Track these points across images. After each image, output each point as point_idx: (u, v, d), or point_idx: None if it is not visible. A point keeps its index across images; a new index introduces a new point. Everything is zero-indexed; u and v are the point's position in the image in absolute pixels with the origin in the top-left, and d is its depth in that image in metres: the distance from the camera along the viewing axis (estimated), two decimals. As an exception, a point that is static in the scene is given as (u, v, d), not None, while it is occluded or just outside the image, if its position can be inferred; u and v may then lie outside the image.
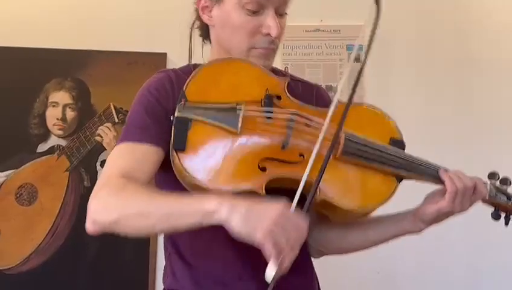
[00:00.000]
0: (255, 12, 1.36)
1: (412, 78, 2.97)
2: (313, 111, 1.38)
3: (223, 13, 1.39)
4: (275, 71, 1.48)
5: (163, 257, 1.50)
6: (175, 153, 1.28)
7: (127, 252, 2.74)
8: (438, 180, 1.40)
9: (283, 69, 1.49)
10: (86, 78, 2.86)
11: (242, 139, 1.30)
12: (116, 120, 2.83)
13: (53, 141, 2.82)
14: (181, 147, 1.27)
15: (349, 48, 2.99)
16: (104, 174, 1.32)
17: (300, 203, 1.21)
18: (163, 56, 2.87)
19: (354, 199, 1.34)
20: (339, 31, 2.94)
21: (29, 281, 2.71)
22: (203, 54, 1.53)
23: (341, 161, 1.34)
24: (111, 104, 2.84)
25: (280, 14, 1.41)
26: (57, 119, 2.83)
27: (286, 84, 1.39)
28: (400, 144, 1.42)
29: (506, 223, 1.50)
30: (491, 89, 2.97)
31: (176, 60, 2.86)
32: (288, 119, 1.33)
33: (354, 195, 1.35)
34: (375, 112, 1.46)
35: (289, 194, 1.24)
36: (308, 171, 1.24)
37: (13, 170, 2.77)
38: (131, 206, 1.23)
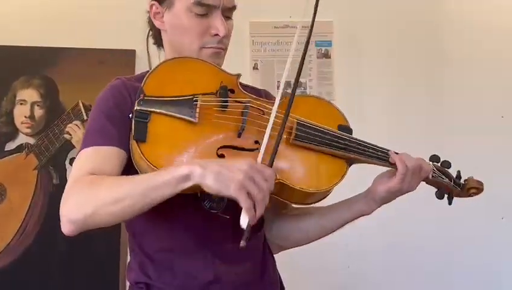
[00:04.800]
0: (203, 15, 1.47)
1: (381, 72, 3.01)
2: (266, 101, 1.47)
3: (173, 17, 1.50)
4: None
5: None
6: (136, 144, 1.32)
7: (97, 249, 2.72)
8: (387, 162, 1.49)
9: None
10: (54, 76, 2.84)
11: (200, 129, 1.36)
12: (85, 117, 2.81)
13: (21, 139, 2.79)
14: (142, 138, 1.32)
15: (317, 44, 3.02)
16: (71, 178, 1.35)
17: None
18: (132, 53, 2.86)
19: (309, 181, 1.42)
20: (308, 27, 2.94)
21: (-2, 280, 2.69)
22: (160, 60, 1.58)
23: (295, 146, 1.43)
24: (79, 101, 2.82)
25: (226, 16, 1.51)
26: (25, 117, 2.80)
27: (238, 79, 1.48)
28: (347, 130, 1.51)
29: (450, 203, 1.60)
30: (461, 81, 3.04)
31: (145, 57, 2.85)
32: (243, 107, 1.42)
33: (309, 177, 1.44)
34: (322, 101, 1.59)
35: None
36: (261, 156, 1.30)
37: (-19, 169, 2.74)
38: (104, 195, 1.25)
